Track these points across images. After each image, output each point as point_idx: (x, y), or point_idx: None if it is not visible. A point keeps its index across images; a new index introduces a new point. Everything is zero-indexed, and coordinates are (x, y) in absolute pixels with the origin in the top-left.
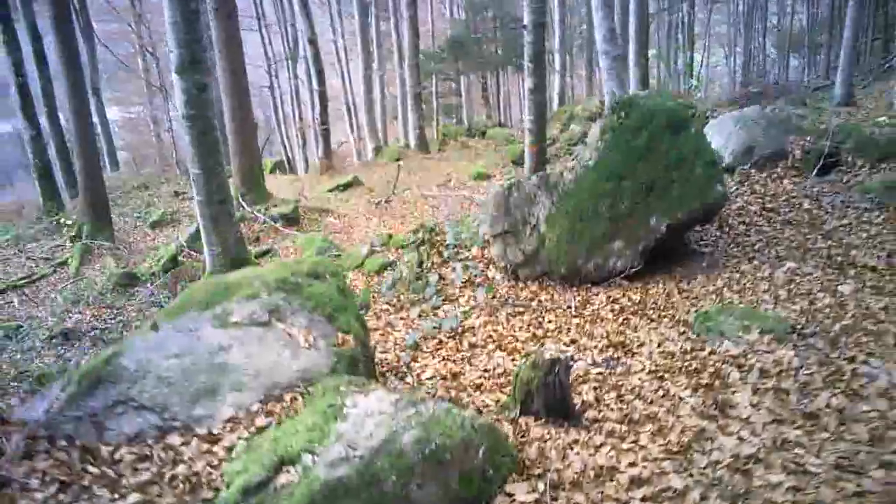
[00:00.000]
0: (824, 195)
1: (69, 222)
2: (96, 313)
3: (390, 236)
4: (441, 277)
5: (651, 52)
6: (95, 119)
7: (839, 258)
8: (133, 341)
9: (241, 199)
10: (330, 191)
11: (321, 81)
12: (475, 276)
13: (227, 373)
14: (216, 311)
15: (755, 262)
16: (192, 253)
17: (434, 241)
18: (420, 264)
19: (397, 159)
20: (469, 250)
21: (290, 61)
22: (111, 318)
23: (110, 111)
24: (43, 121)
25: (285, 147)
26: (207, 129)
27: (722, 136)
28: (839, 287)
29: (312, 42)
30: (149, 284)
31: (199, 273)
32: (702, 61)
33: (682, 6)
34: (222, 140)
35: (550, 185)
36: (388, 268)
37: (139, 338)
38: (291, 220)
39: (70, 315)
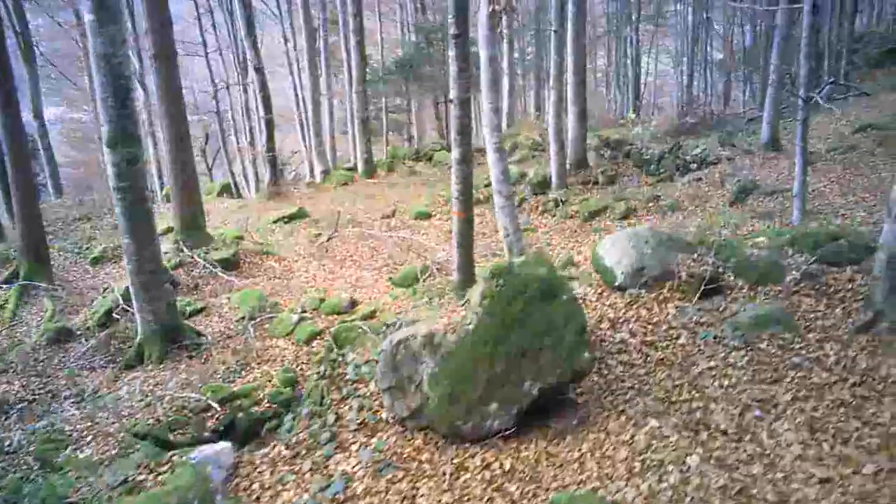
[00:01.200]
0: (700, 325)
1: (8, 256)
2: (25, 382)
3: (322, 300)
4: (338, 417)
5: (600, 61)
6: (37, 141)
7: (698, 414)
8: None
9: (181, 244)
10: (275, 222)
11: (268, 109)
12: (369, 420)
13: None
14: None
15: (622, 419)
16: (128, 309)
17: (334, 376)
18: (321, 401)
19: (344, 184)
20: (368, 386)
21: (239, 85)
22: (40, 388)
23: (48, 111)
24: None
25: (233, 173)
26: (138, 200)
27: (616, 255)
28: (688, 458)
29: (259, 70)
30: (83, 339)
31: (132, 335)
32: (649, 71)
33: (630, 25)
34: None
35: (434, 345)
36: (318, 336)
37: None
38: (231, 264)
39: None
